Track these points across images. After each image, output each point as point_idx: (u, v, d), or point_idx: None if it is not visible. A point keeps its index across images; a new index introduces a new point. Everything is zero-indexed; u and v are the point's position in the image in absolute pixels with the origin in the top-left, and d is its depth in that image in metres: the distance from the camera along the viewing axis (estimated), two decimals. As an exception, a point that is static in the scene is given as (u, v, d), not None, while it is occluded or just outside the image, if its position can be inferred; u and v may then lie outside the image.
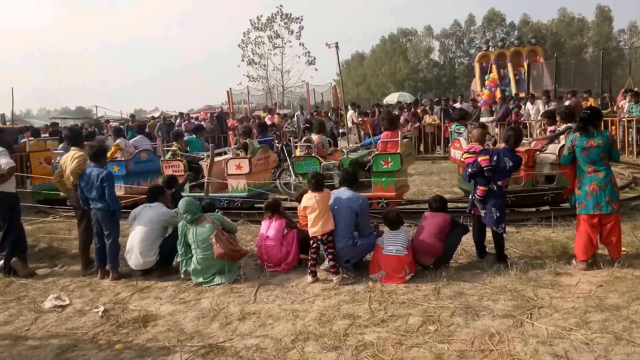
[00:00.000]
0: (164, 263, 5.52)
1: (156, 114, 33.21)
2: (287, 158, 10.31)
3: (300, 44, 32.98)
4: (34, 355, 3.80)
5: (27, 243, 6.05)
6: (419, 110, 17.09)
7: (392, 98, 31.14)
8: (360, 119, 16.83)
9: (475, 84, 25.17)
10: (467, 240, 5.66)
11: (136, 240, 5.35)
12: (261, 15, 33.24)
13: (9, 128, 18.54)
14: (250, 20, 33.31)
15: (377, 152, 7.23)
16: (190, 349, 3.73)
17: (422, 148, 16.00)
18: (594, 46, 49.12)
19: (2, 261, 5.76)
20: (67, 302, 4.83)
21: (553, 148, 6.85)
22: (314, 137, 8.22)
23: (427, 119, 16.25)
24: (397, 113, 16.45)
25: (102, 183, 5.28)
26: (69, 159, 5.79)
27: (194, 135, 10.84)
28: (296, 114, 19.22)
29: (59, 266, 6.06)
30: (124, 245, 5.57)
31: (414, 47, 57.31)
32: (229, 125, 18.09)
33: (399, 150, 7.01)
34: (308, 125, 10.30)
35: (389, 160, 7.04)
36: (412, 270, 4.90)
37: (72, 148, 5.97)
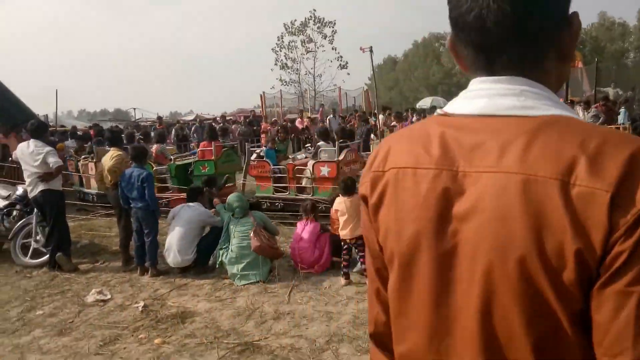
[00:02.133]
0: (201, 261, 5.65)
1: (191, 117, 33.93)
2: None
3: (332, 48, 33.07)
4: (78, 346, 3.96)
5: (71, 239, 6.31)
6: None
7: (425, 102, 30.81)
8: (394, 123, 16.75)
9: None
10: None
11: (175, 239, 5.50)
12: (295, 20, 33.51)
13: (53, 129, 19.26)
14: (284, 24, 33.57)
15: (197, 159, 8.80)
16: (226, 345, 3.81)
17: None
18: (635, 51, 47.47)
19: (48, 256, 6.02)
20: (109, 296, 5.00)
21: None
22: (154, 147, 9.13)
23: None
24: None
25: (142, 183, 5.46)
26: (108, 158, 6.01)
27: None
28: (328, 117, 19.27)
29: (100, 262, 6.28)
30: (162, 244, 5.73)
31: (447, 51, 56.65)
32: (261, 128, 18.32)
33: (213, 158, 8.52)
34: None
35: (206, 165, 8.56)
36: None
37: (112, 148, 6.20)
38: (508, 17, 0.73)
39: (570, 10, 0.78)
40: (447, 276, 0.76)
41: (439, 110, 0.87)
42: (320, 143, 8.50)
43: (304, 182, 7.89)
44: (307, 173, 7.83)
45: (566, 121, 0.72)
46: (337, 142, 8.19)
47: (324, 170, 7.61)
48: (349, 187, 5.17)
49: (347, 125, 17.44)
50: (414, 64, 57.69)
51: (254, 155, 9.16)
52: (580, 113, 13.24)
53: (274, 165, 8.55)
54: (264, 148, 10.13)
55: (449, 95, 44.73)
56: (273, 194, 8.10)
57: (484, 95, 0.79)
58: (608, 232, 0.63)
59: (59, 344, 4.03)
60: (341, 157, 7.80)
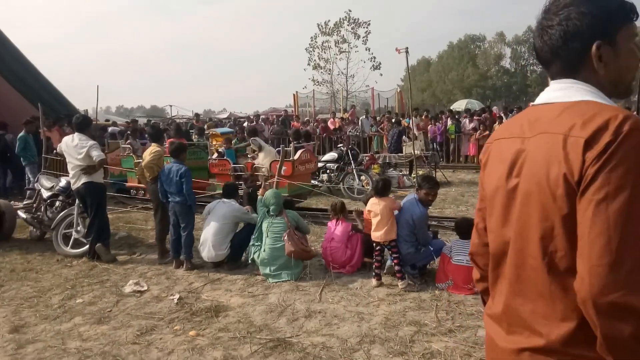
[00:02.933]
0: (234, 257, 5.74)
1: (224, 115, 34.39)
2: (352, 162, 10.37)
3: (366, 49, 32.91)
4: (116, 335, 4.08)
5: (110, 231, 6.50)
6: (483, 117, 16.60)
7: (460, 105, 30.37)
8: (430, 124, 16.57)
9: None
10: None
11: (209, 234, 5.61)
12: (329, 20, 33.52)
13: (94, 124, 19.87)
14: (318, 24, 33.61)
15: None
16: (259, 341, 3.86)
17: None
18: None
19: (88, 246, 6.23)
20: (145, 287, 5.14)
21: None
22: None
23: (498, 127, 15.73)
24: (467, 120, 16.12)
25: (180, 178, 5.58)
26: (147, 154, 6.17)
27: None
28: (361, 118, 19.22)
29: (137, 254, 6.46)
30: (198, 238, 5.85)
31: (483, 54, 55.66)
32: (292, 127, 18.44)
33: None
34: None
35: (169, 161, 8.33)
36: (481, 281, 4.78)
37: (152, 144, 6.36)
38: (546, 48, 1.23)
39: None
40: (510, 204, 1.22)
41: (531, 103, 1.35)
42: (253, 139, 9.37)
43: (260, 180, 8.30)
44: (264, 171, 8.55)
45: (586, 103, 1.13)
46: (292, 143, 9.03)
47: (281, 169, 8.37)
48: (381, 188, 5.16)
49: (378, 127, 17.38)
50: (448, 66, 56.89)
51: (215, 155, 9.96)
52: None
53: (234, 164, 9.13)
54: (223, 148, 10.74)
55: (484, 98, 43.95)
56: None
57: (546, 92, 1.26)
58: (582, 162, 1.03)
59: (97, 331, 4.17)
60: (296, 156, 8.66)
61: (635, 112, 14.87)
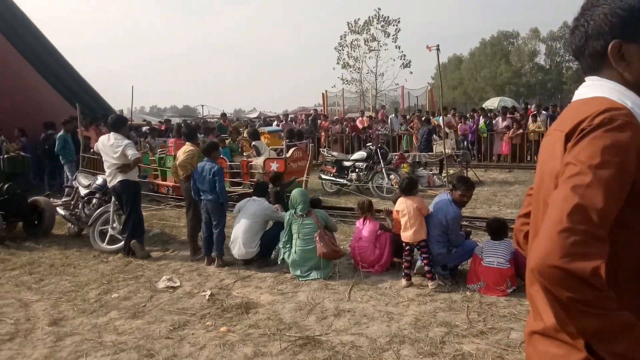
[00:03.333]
0: (264, 254, 5.80)
1: (254, 114, 34.71)
2: (381, 161, 10.31)
3: (396, 47, 32.63)
4: (150, 329, 4.19)
5: (144, 228, 6.67)
6: (517, 115, 16.22)
7: (492, 102, 29.75)
8: (460, 123, 16.32)
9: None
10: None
11: (240, 231, 5.68)
12: (359, 19, 33.38)
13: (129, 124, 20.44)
14: (348, 23, 33.50)
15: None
16: (288, 338, 3.89)
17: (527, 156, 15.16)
18: None
19: (123, 242, 6.40)
20: (178, 283, 5.25)
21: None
22: None
23: (531, 125, 15.34)
24: (499, 118, 15.79)
25: (213, 177, 5.67)
26: (181, 152, 6.29)
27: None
28: (390, 117, 19.09)
29: (170, 251, 6.60)
30: (228, 236, 5.94)
31: (517, 50, 54.38)
32: (320, 126, 18.45)
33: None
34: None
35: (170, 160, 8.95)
36: (514, 283, 4.69)
37: (187, 143, 6.48)
38: (574, 46, 1.30)
39: None
40: (539, 187, 1.34)
41: None
42: (254, 143, 10.06)
43: (256, 177, 8.89)
44: (259, 169, 9.07)
45: (592, 99, 1.21)
46: (284, 142, 9.70)
47: (274, 166, 8.87)
48: (406, 187, 5.12)
49: (407, 126, 17.22)
50: (480, 63, 55.84)
51: (246, 153, 10.37)
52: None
53: (230, 162, 9.53)
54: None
55: (518, 95, 42.93)
56: (229, 187, 8.79)
57: (578, 89, 1.32)
58: (563, 154, 1.16)
59: (132, 326, 4.28)
60: (288, 154, 9.20)
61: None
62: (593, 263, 0.98)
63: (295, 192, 5.58)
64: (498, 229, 4.90)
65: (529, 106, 18.83)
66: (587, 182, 1.05)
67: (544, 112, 16.16)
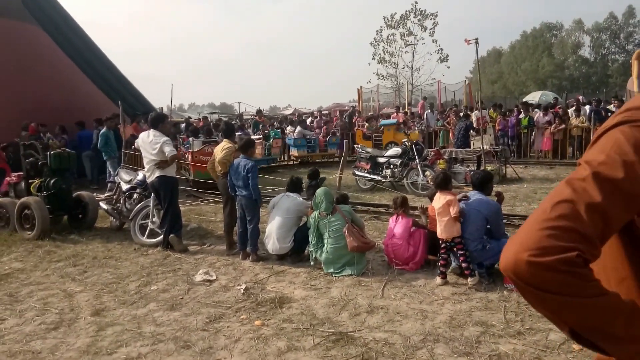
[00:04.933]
0: (297, 250, 5.84)
1: (289, 111, 34.91)
2: (417, 157, 10.18)
3: (433, 41, 32.11)
4: (187, 321, 4.29)
5: (182, 222, 6.83)
6: (558, 110, 15.67)
7: (534, 97, 28.84)
8: (499, 118, 15.93)
9: (632, 83, 22.30)
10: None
11: (274, 227, 5.74)
12: (395, 13, 33.01)
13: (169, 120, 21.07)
14: (384, 17, 33.21)
15: None
16: (321, 334, 3.91)
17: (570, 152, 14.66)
18: None
19: (162, 236, 6.58)
20: (214, 277, 5.35)
21: None
22: None
23: (574, 120, 14.80)
24: (542, 112, 15.30)
25: (247, 173, 5.75)
26: (220, 149, 6.39)
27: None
28: (426, 112, 18.80)
29: (207, 245, 6.73)
30: (263, 231, 6.01)
31: (560, 43, 52.49)
32: (354, 122, 18.38)
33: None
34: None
35: None
36: (554, 283, 4.54)
37: (225, 140, 6.58)
38: None
39: None
40: None
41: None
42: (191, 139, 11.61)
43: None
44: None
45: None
46: (191, 139, 11.49)
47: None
48: (441, 181, 5.08)
49: (443, 121, 16.93)
50: (521, 56, 54.19)
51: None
52: None
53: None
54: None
55: (560, 89, 41.46)
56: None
57: None
58: None
59: (170, 317, 4.40)
60: (196, 149, 10.82)
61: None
62: (567, 254, 0.86)
63: (318, 192, 5.54)
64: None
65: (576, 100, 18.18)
66: (587, 178, 0.93)
67: (587, 106, 15.56)
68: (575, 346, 3.50)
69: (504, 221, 6.48)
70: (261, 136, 14.77)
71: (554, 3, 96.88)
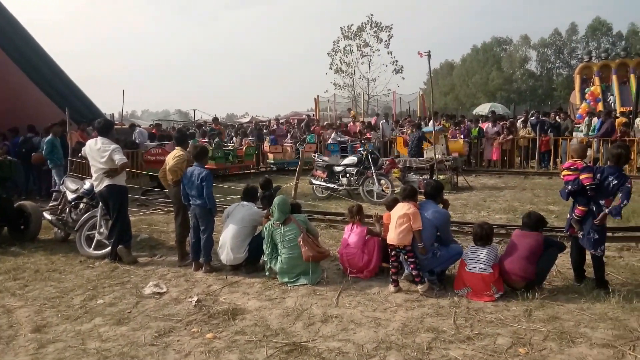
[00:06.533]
0: (252, 260, 5.75)
1: (246, 119, 34.64)
2: (372, 166, 10.32)
3: (388, 53, 32.84)
4: (135, 336, 4.12)
5: (132, 233, 6.60)
6: (507, 122, 16.34)
7: (483, 108, 29.93)
8: (450, 128, 16.36)
9: (575, 96, 23.62)
10: (564, 262, 5.33)
11: (228, 237, 5.64)
12: (352, 24, 33.55)
13: (119, 127, 20.35)
14: (341, 28, 33.66)
15: None
16: (275, 345, 3.85)
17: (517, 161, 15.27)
18: None
19: (110, 247, 6.33)
20: (165, 289, 5.19)
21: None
22: None
23: (521, 131, 15.46)
24: (491, 124, 15.85)
25: (201, 182, 5.63)
26: (171, 157, 6.24)
27: None
28: (381, 122, 19.10)
29: (158, 256, 6.53)
30: (217, 241, 5.89)
31: (509, 57, 54.88)
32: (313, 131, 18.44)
33: None
34: None
35: None
36: (500, 288, 4.69)
37: (177, 148, 6.42)
38: None
39: None
40: None
41: None
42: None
43: None
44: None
45: None
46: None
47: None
48: (409, 194, 5.16)
49: (399, 131, 17.25)
50: (472, 69, 56.27)
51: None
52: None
53: None
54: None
55: (509, 101, 43.13)
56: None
57: None
58: None
59: (117, 332, 4.22)
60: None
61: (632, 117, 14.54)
62: None
63: (275, 201, 5.47)
64: (482, 234, 4.89)
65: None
66: None
67: (530, 118, 16.31)
68: (521, 350, 3.62)
69: (455, 228, 6.69)
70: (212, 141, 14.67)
71: (503, 18, 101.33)
